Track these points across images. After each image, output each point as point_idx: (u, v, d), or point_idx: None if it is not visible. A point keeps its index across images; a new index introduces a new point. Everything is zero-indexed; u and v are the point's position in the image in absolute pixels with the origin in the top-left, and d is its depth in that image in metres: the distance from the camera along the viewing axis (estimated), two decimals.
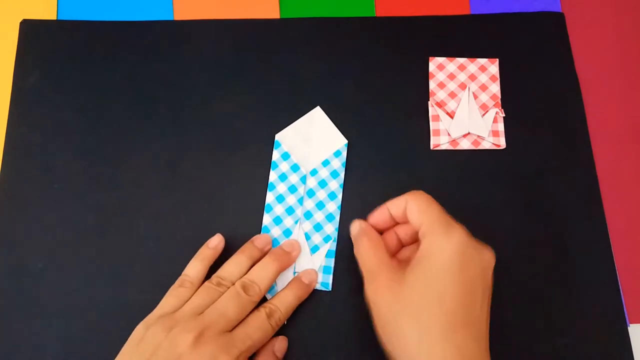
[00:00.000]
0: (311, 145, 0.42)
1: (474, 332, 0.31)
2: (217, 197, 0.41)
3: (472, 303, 0.32)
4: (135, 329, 0.33)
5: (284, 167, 0.41)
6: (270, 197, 0.40)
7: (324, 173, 0.41)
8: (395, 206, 0.36)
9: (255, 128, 0.42)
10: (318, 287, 0.38)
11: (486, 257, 0.33)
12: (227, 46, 0.45)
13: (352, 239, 0.37)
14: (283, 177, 0.40)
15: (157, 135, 0.42)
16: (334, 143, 0.42)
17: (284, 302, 0.36)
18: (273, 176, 0.41)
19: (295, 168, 0.41)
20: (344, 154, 0.41)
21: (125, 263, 0.39)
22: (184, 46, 0.44)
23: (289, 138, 0.42)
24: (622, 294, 0.40)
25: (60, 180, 0.41)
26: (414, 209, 0.34)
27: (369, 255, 0.35)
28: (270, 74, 0.44)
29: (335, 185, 0.41)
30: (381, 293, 0.33)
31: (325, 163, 0.41)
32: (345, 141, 0.42)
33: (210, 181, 0.41)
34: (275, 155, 0.41)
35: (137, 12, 0.46)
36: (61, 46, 0.44)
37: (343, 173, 0.41)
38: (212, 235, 0.38)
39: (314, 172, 0.41)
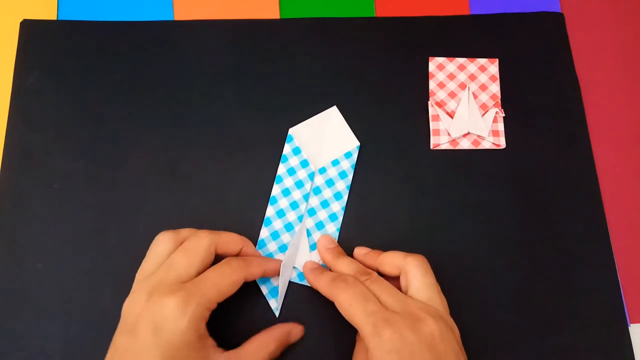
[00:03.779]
0: (323, 143, 0.42)
1: None
2: (217, 197, 0.41)
3: None
4: None
5: (293, 161, 0.41)
6: (276, 190, 0.40)
7: (332, 172, 0.41)
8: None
9: (255, 128, 0.42)
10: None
11: (427, 330, 0.31)
12: (227, 46, 0.45)
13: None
14: (291, 172, 0.41)
15: (157, 135, 0.42)
16: (346, 144, 0.42)
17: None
18: (282, 169, 0.41)
19: (304, 164, 0.41)
20: (355, 155, 0.41)
21: (125, 263, 0.39)
22: (184, 46, 0.44)
23: (302, 133, 0.42)
24: (622, 294, 0.40)
25: (60, 180, 0.41)
26: (340, 307, 0.33)
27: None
28: (270, 74, 0.44)
29: (342, 185, 0.41)
30: None
31: (335, 163, 0.41)
32: (357, 143, 0.42)
33: (210, 181, 0.41)
34: (287, 149, 0.41)
35: (137, 12, 0.46)
36: (61, 46, 0.44)
37: (351, 175, 0.41)
38: None
39: (322, 170, 0.41)
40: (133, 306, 0.32)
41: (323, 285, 0.35)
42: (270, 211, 0.40)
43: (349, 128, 0.42)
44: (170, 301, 0.31)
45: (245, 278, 0.34)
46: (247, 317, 0.38)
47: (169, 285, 0.31)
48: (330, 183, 0.41)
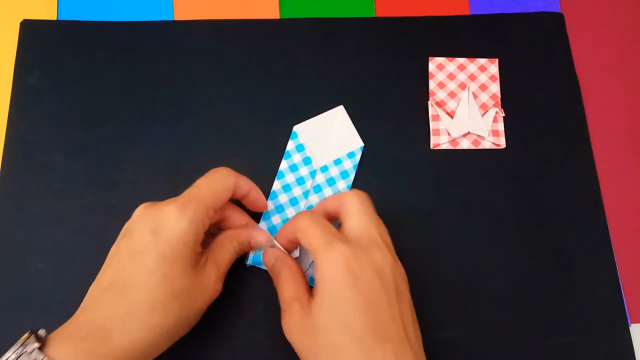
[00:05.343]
0: (327, 142, 0.42)
1: (392, 348, 0.29)
2: None
3: (378, 316, 0.29)
4: None
5: (296, 158, 0.41)
6: (277, 185, 0.40)
7: (334, 171, 0.41)
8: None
9: (255, 128, 0.42)
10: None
11: (377, 259, 0.31)
12: (227, 46, 0.45)
13: (269, 270, 0.35)
14: (293, 168, 0.41)
15: (157, 135, 0.42)
16: (350, 144, 0.42)
17: None
18: (284, 165, 0.41)
19: (307, 161, 0.41)
20: (358, 156, 0.41)
21: None
22: (184, 46, 0.44)
23: (306, 131, 0.42)
24: (623, 294, 0.40)
25: (60, 180, 0.41)
26: (299, 233, 0.33)
27: (286, 288, 0.33)
28: (270, 74, 0.44)
29: (343, 185, 0.41)
30: (294, 330, 0.31)
31: (337, 162, 0.41)
32: (362, 144, 0.42)
33: None
34: (290, 145, 0.41)
35: (137, 12, 0.46)
36: (61, 46, 0.44)
37: (353, 175, 0.41)
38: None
39: (324, 169, 0.41)
40: (132, 216, 0.33)
41: (285, 227, 0.35)
42: (269, 205, 0.40)
43: (354, 128, 0.42)
44: (169, 207, 0.32)
45: (236, 186, 0.35)
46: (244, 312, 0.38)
47: (171, 199, 0.33)
48: (331, 182, 0.41)
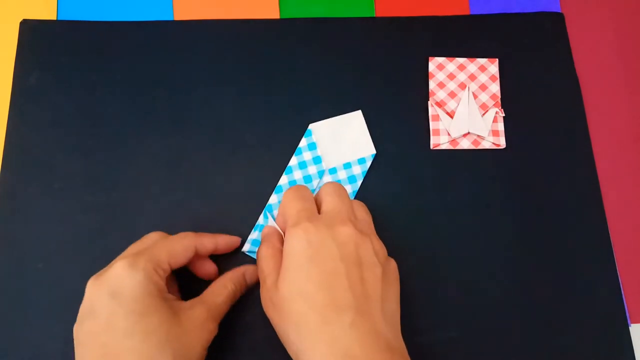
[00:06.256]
0: (339, 145, 0.42)
1: (350, 317, 0.29)
2: (217, 197, 0.41)
3: (336, 287, 0.30)
4: None
5: (306, 156, 0.41)
6: (284, 180, 0.40)
7: (342, 175, 0.41)
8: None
9: (254, 128, 0.42)
10: None
11: (340, 232, 0.32)
12: (227, 46, 0.45)
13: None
14: (302, 165, 0.41)
15: (157, 135, 0.42)
16: (362, 150, 0.42)
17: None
18: (293, 161, 0.41)
19: (317, 160, 0.41)
20: (368, 163, 0.41)
21: None
22: (184, 46, 0.44)
23: (321, 130, 0.42)
24: (622, 294, 0.40)
25: (60, 180, 0.41)
26: (281, 208, 0.35)
27: (264, 263, 0.34)
28: (269, 74, 0.44)
29: (350, 190, 0.41)
30: (266, 305, 0.33)
31: (347, 166, 0.41)
32: (374, 151, 0.42)
33: (210, 181, 0.41)
34: (303, 142, 0.41)
35: (137, 12, 0.46)
36: (61, 46, 0.44)
37: (360, 181, 0.41)
38: None
39: (332, 171, 0.41)
40: (85, 296, 0.32)
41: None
42: (273, 199, 0.40)
43: (368, 135, 0.42)
44: (117, 266, 0.31)
45: (197, 246, 0.35)
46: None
47: (116, 258, 0.32)
48: None
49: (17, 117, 0.42)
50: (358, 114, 0.43)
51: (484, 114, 0.43)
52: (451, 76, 0.44)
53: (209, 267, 0.37)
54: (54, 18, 0.45)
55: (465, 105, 0.43)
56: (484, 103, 0.44)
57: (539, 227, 0.41)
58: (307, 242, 0.31)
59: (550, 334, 0.38)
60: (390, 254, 0.35)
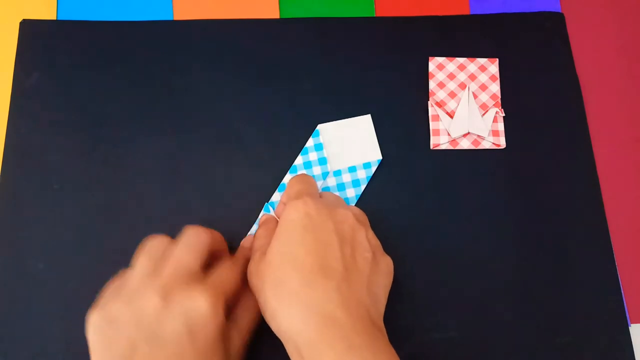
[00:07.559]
0: (346, 147, 0.42)
1: (335, 284, 0.30)
2: (217, 197, 0.41)
3: (327, 255, 0.31)
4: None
5: (312, 156, 0.41)
6: (287, 178, 0.40)
7: (346, 177, 0.41)
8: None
9: (254, 128, 0.42)
10: None
11: (339, 213, 0.33)
12: (227, 46, 0.45)
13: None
14: (307, 165, 0.41)
15: (157, 135, 0.42)
16: (369, 154, 0.42)
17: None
18: (299, 160, 0.41)
19: (322, 161, 0.41)
20: (374, 168, 0.41)
21: (126, 263, 0.39)
22: (184, 46, 0.44)
23: (328, 132, 0.42)
24: (622, 294, 0.40)
25: (60, 180, 0.41)
26: (288, 188, 0.37)
27: (257, 242, 0.35)
28: (269, 74, 0.44)
29: (352, 193, 0.41)
30: (252, 274, 0.33)
31: (352, 169, 0.41)
32: (380, 157, 0.42)
33: (211, 181, 0.41)
34: (310, 142, 0.41)
35: (137, 12, 0.46)
36: (61, 46, 0.44)
37: (364, 186, 0.41)
38: None
39: (337, 173, 0.41)
40: (143, 309, 0.29)
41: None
42: (276, 197, 0.40)
43: (376, 140, 0.42)
44: (203, 299, 0.29)
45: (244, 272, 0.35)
46: None
47: (186, 281, 0.30)
48: (341, 187, 0.41)
49: (17, 117, 0.42)
50: (367, 118, 0.43)
51: (484, 114, 0.43)
52: (451, 76, 0.44)
53: None
54: (54, 18, 0.45)
55: (465, 105, 0.43)
56: (484, 103, 0.44)
57: (538, 227, 0.41)
58: (305, 213, 0.32)
59: (550, 334, 0.38)
60: (390, 254, 0.36)
